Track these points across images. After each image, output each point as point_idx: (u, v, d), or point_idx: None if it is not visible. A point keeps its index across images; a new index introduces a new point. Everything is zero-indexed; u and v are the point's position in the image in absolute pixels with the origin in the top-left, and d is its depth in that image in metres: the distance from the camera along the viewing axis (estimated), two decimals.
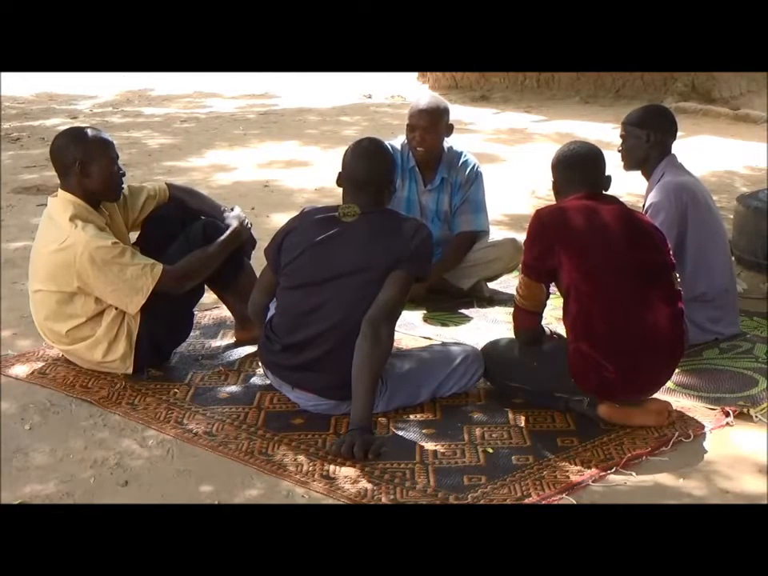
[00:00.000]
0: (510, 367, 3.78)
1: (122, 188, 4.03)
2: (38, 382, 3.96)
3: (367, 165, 3.65)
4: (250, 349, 4.20)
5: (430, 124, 4.76)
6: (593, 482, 3.23)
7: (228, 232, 4.08)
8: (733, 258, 4.70)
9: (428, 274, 3.75)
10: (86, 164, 3.86)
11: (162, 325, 3.96)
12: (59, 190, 3.94)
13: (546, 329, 3.83)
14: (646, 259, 3.60)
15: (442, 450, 3.43)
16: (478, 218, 4.94)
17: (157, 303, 3.87)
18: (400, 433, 3.57)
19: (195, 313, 4.29)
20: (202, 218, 4.19)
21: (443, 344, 4.08)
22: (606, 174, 3.78)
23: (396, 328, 3.66)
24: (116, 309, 3.90)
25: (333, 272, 3.59)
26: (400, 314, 3.65)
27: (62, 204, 3.90)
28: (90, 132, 3.96)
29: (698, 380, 3.96)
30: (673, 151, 4.34)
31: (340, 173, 3.72)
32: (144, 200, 4.16)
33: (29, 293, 4.07)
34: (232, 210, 4.24)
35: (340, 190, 3.73)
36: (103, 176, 3.90)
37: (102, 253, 3.79)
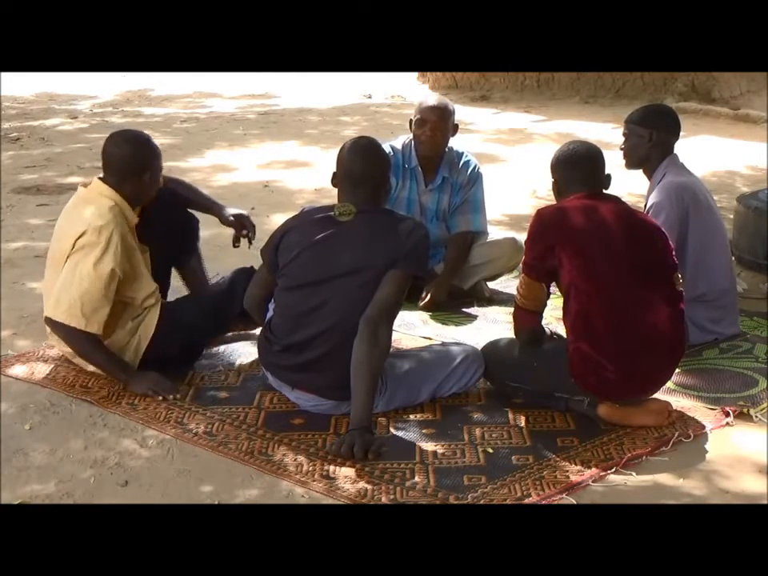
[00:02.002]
0: (509, 367, 3.78)
1: None
2: (38, 382, 3.95)
3: (364, 162, 3.65)
4: (250, 348, 4.20)
5: (440, 118, 4.79)
6: (593, 482, 3.23)
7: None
8: (733, 258, 4.70)
9: (425, 273, 3.74)
10: (146, 172, 3.88)
11: (172, 351, 3.94)
12: (98, 181, 3.90)
13: (546, 329, 3.83)
14: (646, 259, 3.60)
15: (441, 450, 3.43)
16: (476, 219, 4.95)
17: (170, 335, 3.90)
18: (400, 433, 3.57)
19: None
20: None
21: (443, 344, 4.08)
22: (606, 172, 3.78)
23: (396, 328, 3.67)
24: (131, 321, 3.90)
25: (331, 272, 3.59)
26: (398, 312, 3.65)
27: (100, 197, 3.86)
28: (152, 141, 3.99)
29: (698, 380, 3.96)
30: (675, 151, 4.34)
31: (335, 172, 3.72)
32: None
33: (43, 288, 4.04)
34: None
35: None
36: (152, 184, 3.94)
37: (91, 279, 3.74)
